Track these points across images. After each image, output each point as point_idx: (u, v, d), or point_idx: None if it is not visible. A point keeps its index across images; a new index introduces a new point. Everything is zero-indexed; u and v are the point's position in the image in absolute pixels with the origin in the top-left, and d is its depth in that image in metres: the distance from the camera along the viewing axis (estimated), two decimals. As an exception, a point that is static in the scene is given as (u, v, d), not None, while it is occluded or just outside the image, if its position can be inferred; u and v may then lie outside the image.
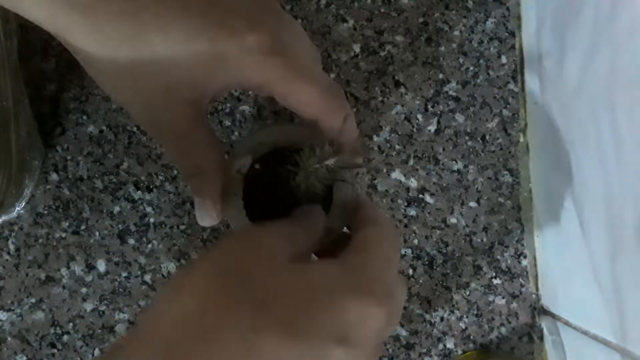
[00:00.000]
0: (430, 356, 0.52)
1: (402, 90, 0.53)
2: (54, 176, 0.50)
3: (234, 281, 0.24)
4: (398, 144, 0.53)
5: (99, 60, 0.27)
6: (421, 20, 0.53)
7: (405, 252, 0.52)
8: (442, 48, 0.53)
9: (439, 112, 0.53)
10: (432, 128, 0.53)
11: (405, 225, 0.52)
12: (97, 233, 0.50)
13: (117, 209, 0.50)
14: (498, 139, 0.53)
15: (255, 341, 0.22)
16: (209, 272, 0.24)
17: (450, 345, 0.52)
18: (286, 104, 0.30)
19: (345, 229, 0.33)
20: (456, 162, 0.53)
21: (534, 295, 0.53)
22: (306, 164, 0.30)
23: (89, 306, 0.50)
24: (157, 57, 0.26)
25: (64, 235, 0.50)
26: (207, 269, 0.24)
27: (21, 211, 0.49)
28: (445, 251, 0.52)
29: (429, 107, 0.53)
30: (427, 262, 0.52)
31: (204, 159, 0.30)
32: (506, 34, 0.54)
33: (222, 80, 0.28)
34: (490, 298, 0.52)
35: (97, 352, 0.49)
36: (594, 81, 0.39)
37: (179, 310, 0.23)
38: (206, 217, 0.31)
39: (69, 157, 0.50)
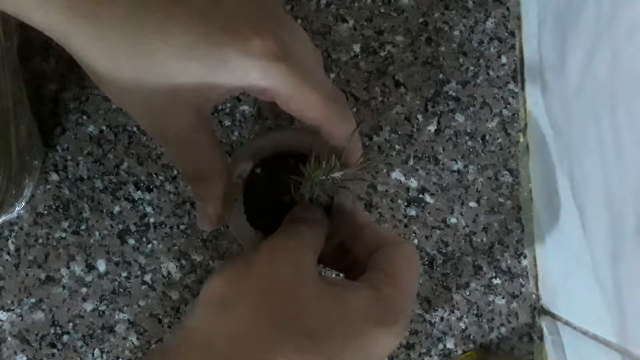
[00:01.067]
0: (430, 356, 0.52)
1: (402, 90, 0.53)
2: (54, 176, 0.50)
3: (282, 305, 0.26)
4: (398, 144, 0.53)
5: (102, 66, 0.27)
6: (421, 20, 0.53)
7: (405, 252, 0.52)
8: (442, 48, 0.53)
9: (439, 112, 0.53)
10: (432, 128, 0.53)
11: (405, 225, 0.52)
12: (97, 233, 0.50)
13: (117, 209, 0.50)
14: (498, 139, 0.53)
15: None
16: (257, 290, 0.26)
17: (450, 345, 0.52)
18: (288, 110, 0.30)
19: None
20: (456, 162, 0.53)
21: (534, 295, 0.53)
22: (312, 175, 0.30)
23: (89, 306, 0.50)
24: (160, 62, 0.26)
25: (64, 235, 0.50)
26: (254, 285, 0.26)
27: (21, 211, 0.49)
28: (445, 251, 0.52)
29: (429, 107, 0.53)
30: (427, 262, 0.52)
31: (206, 164, 0.30)
32: (506, 34, 0.54)
33: (226, 85, 0.28)
34: (490, 298, 0.52)
35: (97, 352, 0.49)
36: (594, 81, 0.39)
37: (232, 330, 0.25)
38: (207, 222, 0.32)
39: (69, 157, 0.50)
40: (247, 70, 0.27)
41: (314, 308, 0.26)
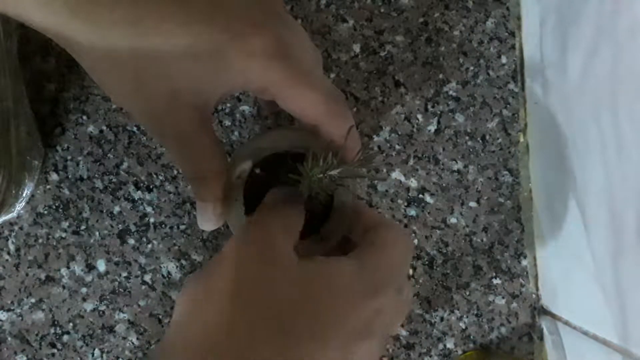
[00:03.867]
0: (430, 356, 0.52)
1: (402, 90, 0.53)
2: (54, 176, 0.50)
3: (259, 292, 0.26)
4: (398, 144, 0.53)
5: (102, 68, 0.27)
6: (421, 20, 0.53)
7: (406, 252, 0.52)
8: (442, 48, 0.53)
9: (439, 112, 0.53)
10: (432, 128, 0.53)
11: (405, 225, 0.52)
12: (97, 233, 0.50)
13: (117, 209, 0.50)
14: (498, 139, 0.53)
15: (288, 350, 0.24)
16: (233, 280, 0.26)
17: (450, 345, 0.52)
18: (287, 108, 0.30)
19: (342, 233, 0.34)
20: (456, 162, 0.53)
21: (534, 295, 0.53)
22: (310, 174, 0.30)
23: (89, 306, 0.50)
24: (160, 61, 0.26)
25: (64, 235, 0.50)
26: (229, 276, 0.26)
27: (21, 211, 0.49)
28: (445, 251, 0.52)
29: (429, 107, 0.53)
30: (427, 262, 0.52)
31: (207, 164, 0.30)
32: (506, 34, 0.54)
33: (226, 84, 0.28)
34: (490, 298, 0.52)
35: (97, 352, 0.49)
36: (595, 80, 0.39)
37: (208, 322, 0.25)
38: (207, 222, 0.32)
39: (69, 157, 0.50)
40: (247, 70, 0.27)
41: (293, 290, 0.26)
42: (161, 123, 0.28)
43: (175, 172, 0.50)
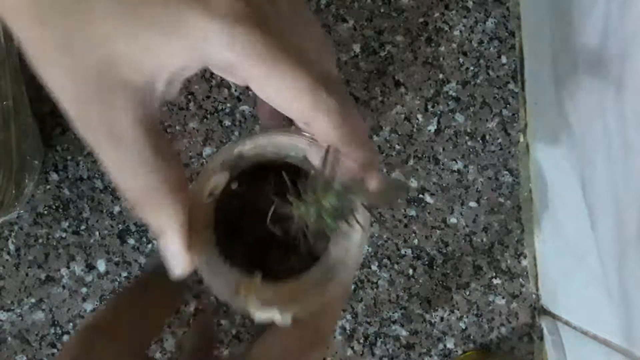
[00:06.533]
0: (430, 356, 0.52)
1: (402, 90, 0.53)
2: (54, 176, 0.50)
3: None
4: (398, 144, 0.53)
5: (31, 29, 0.21)
6: (421, 20, 0.53)
7: (405, 252, 0.52)
8: (442, 48, 0.53)
9: (439, 112, 0.53)
10: (432, 128, 0.53)
11: (405, 225, 0.52)
12: (97, 233, 0.50)
13: (117, 209, 0.50)
14: (498, 139, 0.53)
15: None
16: None
17: (450, 345, 0.52)
18: (265, 97, 0.22)
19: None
20: (456, 162, 0.53)
21: (534, 295, 0.53)
22: (315, 197, 0.22)
23: (89, 306, 0.50)
24: (94, 20, 0.20)
25: (64, 235, 0.50)
26: None
27: (21, 211, 0.49)
28: (445, 251, 0.52)
29: (429, 107, 0.53)
30: (427, 262, 0.52)
31: (156, 177, 0.22)
32: (506, 34, 0.54)
33: (178, 56, 0.21)
34: (490, 298, 0.52)
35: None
36: (600, 79, 0.39)
37: None
38: (174, 265, 0.23)
39: (69, 157, 0.50)
40: (206, 35, 0.20)
41: None
42: (88, 110, 0.21)
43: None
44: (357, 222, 0.23)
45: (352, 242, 0.24)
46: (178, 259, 0.23)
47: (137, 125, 0.21)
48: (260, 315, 0.23)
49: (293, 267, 0.25)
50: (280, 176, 0.23)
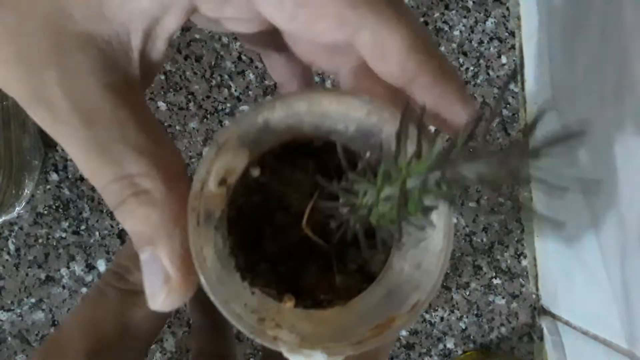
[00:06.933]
0: (430, 356, 0.52)
1: (402, 90, 0.53)
2: (54, 176, 0.50)
3: None
4: (398, 144, 0.52)
5: None
6: (421, 20, 0.53)
7: (406, 252, 0.52)
8: (442, 48, 0.53)
9: (439, 112, 0.53)
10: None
11: (406, 225, 0.52)
12: (97, 233, 0.50)
13: (117, 209, 0.50)
14: (498, 139, 0.53)
15: None
16: None
17: (450, 345, 0.52)
18: (326, 61, 0.16)
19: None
20: (456, 162, 0.53)
21: (534, 295, 0.53)
22: (383, 185, 0.15)
23: (89, 306, 0.50)
24: None
25: (64, 235, 0.50)
26: None
27: (21, 211, 0.49)
28: (445, 251, 0.52)
29: (429, 107, 0.53)
30: (427, 262, 0.52)
31: (146, 163, 0.16)
32: (506, 34, 0.54)
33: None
34: (490, 298, 0.52)
35: (97, 352, 0.49)
36: (600, 78, 0.39)
37: None
38: (160, 296, 0.16)
39: (69, 157, 0.50)
40: None
41: None
42: (42, 83, 0.16)
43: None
44: (433, 221, 0.16)
45: (429, 251, 0.17)
46: (170, 284, 0.15)
47: (109, 95, 0.16)
48: (296, 359, 0.16)
49: (339, 288, 0.18)
50: (320, 161, 0.17)
